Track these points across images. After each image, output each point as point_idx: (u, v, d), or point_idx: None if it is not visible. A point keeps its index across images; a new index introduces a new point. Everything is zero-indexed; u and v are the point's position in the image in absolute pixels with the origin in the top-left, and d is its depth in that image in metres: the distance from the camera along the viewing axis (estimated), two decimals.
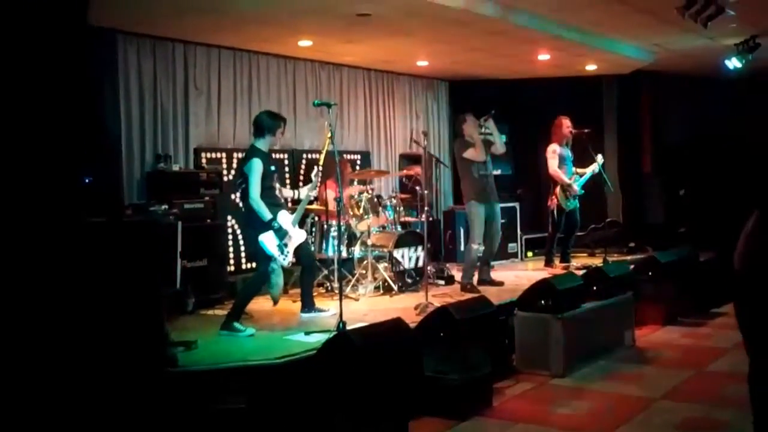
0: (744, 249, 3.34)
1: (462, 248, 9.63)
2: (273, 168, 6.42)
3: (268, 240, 6.16)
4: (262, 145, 6.33)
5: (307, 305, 6.71)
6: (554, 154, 9.09)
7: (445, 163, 10.12)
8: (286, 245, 6.28)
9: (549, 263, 9.30)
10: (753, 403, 3.40)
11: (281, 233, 6.23)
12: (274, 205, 6.28)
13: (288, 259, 6.37)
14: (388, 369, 4.55)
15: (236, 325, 6.06)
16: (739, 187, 9.04)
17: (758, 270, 3.26)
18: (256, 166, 6.14)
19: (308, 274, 6.80)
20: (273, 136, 6.37)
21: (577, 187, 9.09)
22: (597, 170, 9.19)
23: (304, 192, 6.73)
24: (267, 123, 6.34)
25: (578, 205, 9.21)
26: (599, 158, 9.21)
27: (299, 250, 6.49)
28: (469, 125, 7.90)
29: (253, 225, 6.22)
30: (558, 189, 9.08)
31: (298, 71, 9.22)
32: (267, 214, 6.14)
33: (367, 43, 8.49)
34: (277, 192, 6.44)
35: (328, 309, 6.71)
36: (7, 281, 4.12)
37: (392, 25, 7.62)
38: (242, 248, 8.29)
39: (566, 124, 9.17)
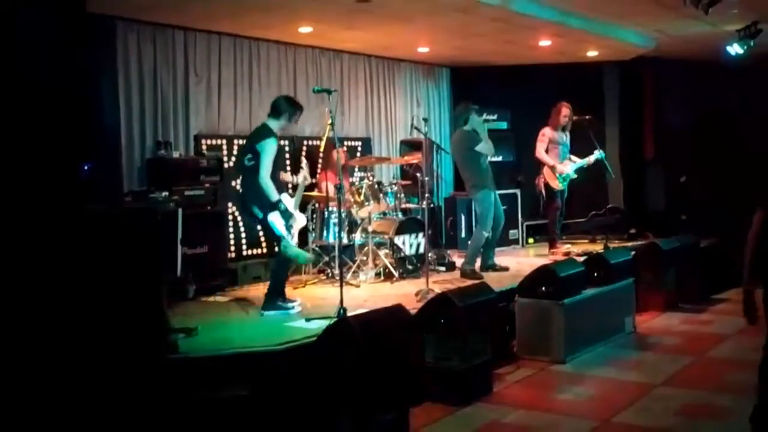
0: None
1: (463, 235, 9.64)
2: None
3: (276, 220, 6.19)
4: (275, 126, 6.36)
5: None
6: (543, 137, 9.15)
7: (445, 149, 10.10)
8: (291, 226, 6.33)
9: (553, 245, 9.28)
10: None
11: (287, 215, 6.25)
12: (278, 188, 6.31)
13: (294, 240, 6.39)
14: (389, 355, 4.57)
15: (280, 303, 6.25)
16: (740, 175, 9.01)
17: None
18: (271, 146, 6.17)
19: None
20: (287, 121, 6.40)
21: (563, 168, 9.08)
22: (594, 161, 9.18)
23: (301, 177, 6.75)
24: (283, 106, 6.40)
25: (566, 190, 9.21)
26: (597, 153, 9.19)
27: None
28: (475, 117, 7.94)
29: (261, 204, 6.20)
30: (546, 168, 9.12)
31: (299, 58, 9.18)
32: (275, 195, 6.17)
33: (367, 30, 8.45)
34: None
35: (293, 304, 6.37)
36: (7, 270, 4.12)
37: (392, 12, 7.57)
38: (243, 235, 8.27)
39: (564, 112, 9.14)
